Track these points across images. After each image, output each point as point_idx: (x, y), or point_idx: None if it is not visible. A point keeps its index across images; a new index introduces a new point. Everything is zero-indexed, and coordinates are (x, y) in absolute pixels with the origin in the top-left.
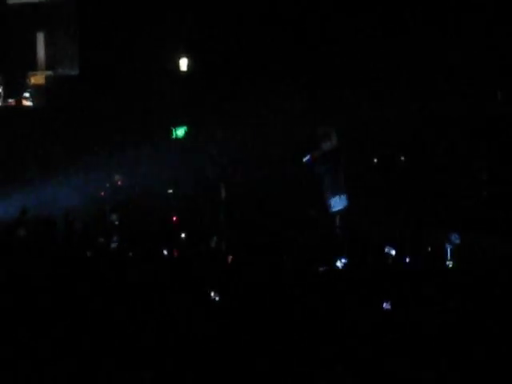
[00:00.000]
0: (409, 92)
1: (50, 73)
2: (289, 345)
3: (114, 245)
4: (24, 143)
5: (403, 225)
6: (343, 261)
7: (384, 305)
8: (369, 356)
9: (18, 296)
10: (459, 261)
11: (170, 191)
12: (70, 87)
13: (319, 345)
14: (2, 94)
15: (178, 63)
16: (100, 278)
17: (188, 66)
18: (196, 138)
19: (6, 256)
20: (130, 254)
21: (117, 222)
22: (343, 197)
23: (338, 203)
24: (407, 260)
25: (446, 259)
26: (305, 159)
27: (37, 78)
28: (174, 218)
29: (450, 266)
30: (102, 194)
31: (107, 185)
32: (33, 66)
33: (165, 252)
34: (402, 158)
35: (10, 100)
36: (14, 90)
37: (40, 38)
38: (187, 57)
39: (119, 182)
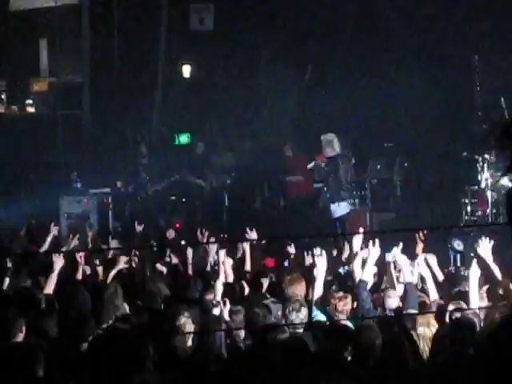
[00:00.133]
0: (410, 95)
1: (53, 79)
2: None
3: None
4: (26, 150)
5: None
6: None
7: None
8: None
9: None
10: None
11: (173, 198)
12: (73, 94)
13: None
14: (5, 100)
15: (181, 70)
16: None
17: (191, 72)
18: (199, 145)
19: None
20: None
21: (120, 229)
22: (344, 203)
23: (338, 209)
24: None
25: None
26: (309, 166)
27: (40, 85)
28: (177, 225)
29: (453, 271)
30: (105, 200)
31: (110, 191)
32: (36, 73)
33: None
34: (406, 165)
35: (13, 106)
36: (17, 97)
37: (43, 45)
38: (190, 63)
39: (122, 189)
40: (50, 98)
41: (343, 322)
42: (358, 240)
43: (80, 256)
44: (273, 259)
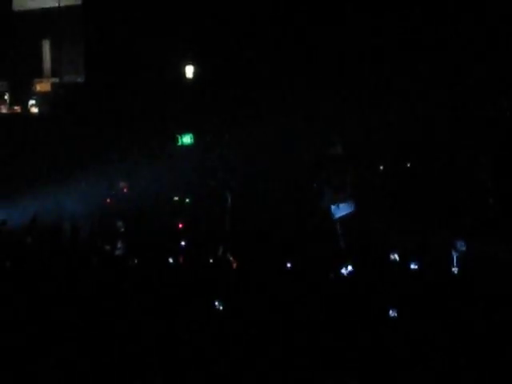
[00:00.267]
0: (414, 98)
1: (55, 80)
2: (293, 353)
3: (118, 252)
4: (30, 150)
5: (409, 232)
6: (349, 268)
7: (390, 312)
8: (374, 364)
9: (25, 302)
10: (465, 268)
11: (176, 198)
12: (75, 94)
13: (324, 353)
14: (8, 100)
15: (184, 70)
16: (104, 285)
17: (194, 73)
18: (202, 146)
19: (14, 263)
20: (135, 261)
21: (122, 229)
22: (345, 204)
23: (338, 210)
24: (412, 267)
25: (451, 266)
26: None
27: (43, 85)
28: (180, 225)
29: (456, 272)
30: (108, 201)
31: (113, 192)
32: (39, 73)
33: (170, 260)
34: (408, 165)
35: (16, 107)
36: (20, 97)
37: (46, 45)
38: (193, 64)
39: (125, 189)
40: (53, 99)
41: None
42: None
43: None
44: None
